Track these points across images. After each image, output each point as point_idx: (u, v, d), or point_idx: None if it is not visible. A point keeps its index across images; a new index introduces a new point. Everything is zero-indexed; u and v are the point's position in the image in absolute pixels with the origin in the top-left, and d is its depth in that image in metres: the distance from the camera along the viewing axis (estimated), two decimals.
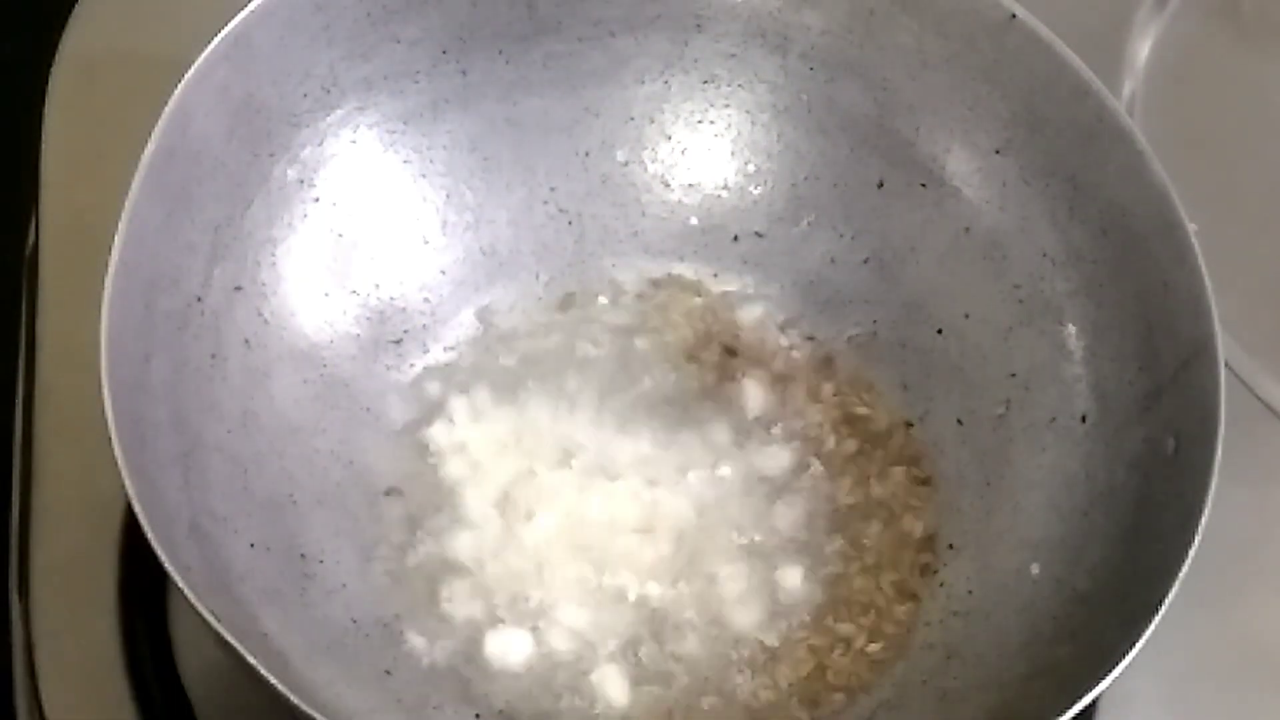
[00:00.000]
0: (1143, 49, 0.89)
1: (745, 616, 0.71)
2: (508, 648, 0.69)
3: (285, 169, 0.72)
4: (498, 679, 0.69)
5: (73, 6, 0.85)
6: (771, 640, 0.70)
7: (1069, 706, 0.61)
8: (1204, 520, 0.63)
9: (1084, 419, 0.71)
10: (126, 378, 0.63)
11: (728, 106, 0.78)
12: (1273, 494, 0.77)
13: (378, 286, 0.75)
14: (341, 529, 0.70)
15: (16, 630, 0.71)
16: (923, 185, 0.76)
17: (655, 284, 0.78)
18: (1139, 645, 0.61)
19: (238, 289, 0.70)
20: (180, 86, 0.67)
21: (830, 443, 0.74)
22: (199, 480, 0.66)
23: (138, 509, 0.60)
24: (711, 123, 0.78)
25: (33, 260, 0.78)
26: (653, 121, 0.78)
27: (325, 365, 0.73)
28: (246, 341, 0.70)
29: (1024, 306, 0.74)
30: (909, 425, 0.75)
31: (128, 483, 0.60)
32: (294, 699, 0.58)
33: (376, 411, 0.73)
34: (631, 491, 0.73)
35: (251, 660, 0.59)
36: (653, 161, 0.78)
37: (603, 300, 0.77)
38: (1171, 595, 0.62)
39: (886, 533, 0.73)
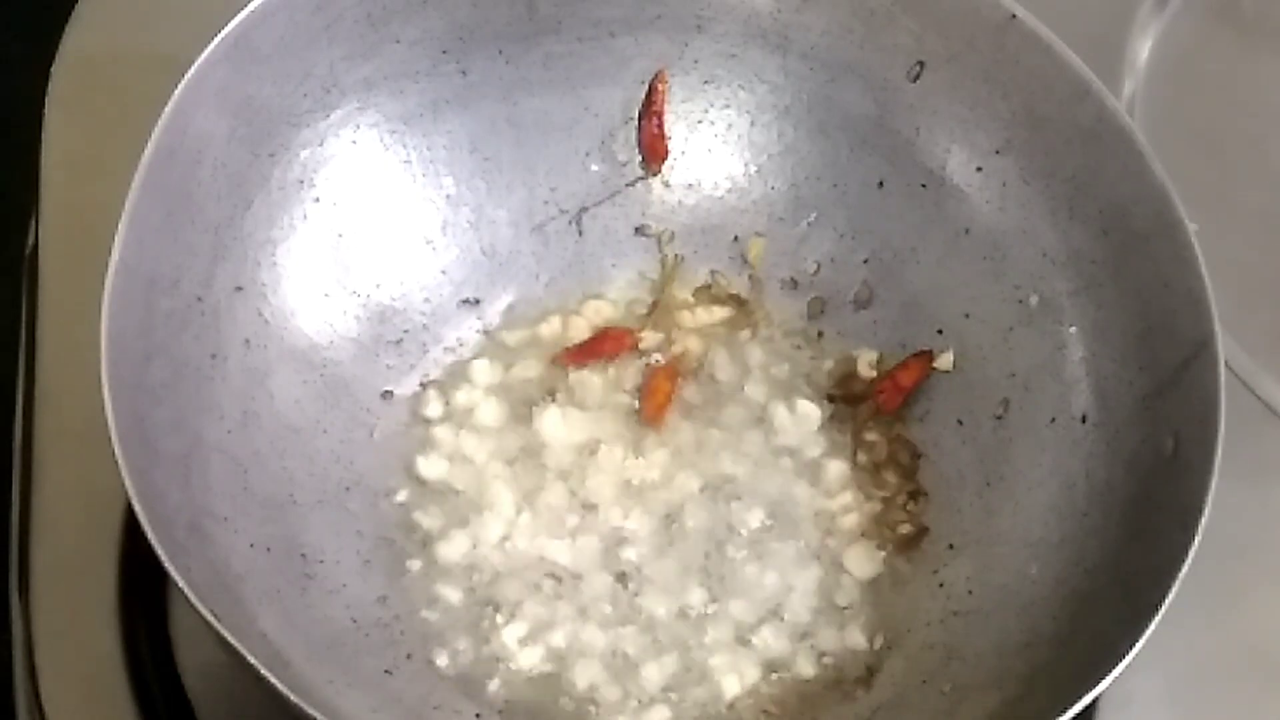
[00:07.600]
0: (1143, 49, 0.89)
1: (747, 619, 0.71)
2: (508, 647, 0.69)
3: (285, 169, 0.72)
4: (498, 678, 0.69)
5: (73, 6, 0.85)
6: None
7: (1069, 706, 0.61)
8: (1204, 520, 0.63)
9: (1084, 419, 0.71)
10: (126, 378, 0.63)
11: (728, 107, 0.78)
12: (1273, 494, 0.77)
13: (378, 286, 0.75)
14: (341, 529, 0.70)
15: (16, 630, 0.71)
16: (923, 185, 0.76)
17: (655, 284, 0.78)
18: (1139, 645, 0.61)
19: (238, 289, 0.70)
20: (180, 86, 0.67)
21: (829, 442, 0.75)
22: (199, 480, 0.66)
23: (138, 509, 0.60)
24: (712, 123, 0.78)
25: (33, 260, 0.78)
26: None
27: (325, 365, 0.73)
28: (246, 341, 0.70)
29: (1024, 306, 0.74)
30: (909, 425, 0.75)
31: (128, 483, 0.60)
32: (294, 699, 0.58)
33: (377, 411, 0.73)
34: (633, 488, 0.73)
35: (251, 660, 0.59)
36: None
37: (603, 299, 0.77)
38: (1171, 595, 0.62)
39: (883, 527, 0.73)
